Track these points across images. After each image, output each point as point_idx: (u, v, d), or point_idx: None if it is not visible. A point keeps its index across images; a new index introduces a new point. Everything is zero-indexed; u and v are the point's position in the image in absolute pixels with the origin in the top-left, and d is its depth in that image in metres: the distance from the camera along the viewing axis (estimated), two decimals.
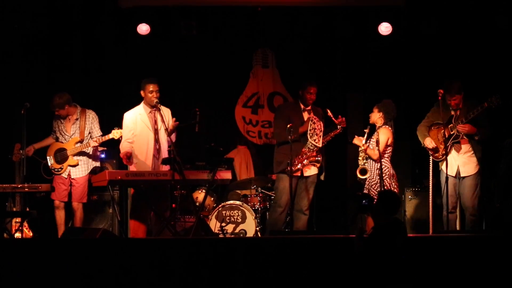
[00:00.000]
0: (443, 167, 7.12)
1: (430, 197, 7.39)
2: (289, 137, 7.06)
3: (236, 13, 9.26)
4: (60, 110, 7.54)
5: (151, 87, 7.03)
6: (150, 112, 7.11)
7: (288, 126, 7.12)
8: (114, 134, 7.37)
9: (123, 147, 7.04)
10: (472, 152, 7.11)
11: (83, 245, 5.73)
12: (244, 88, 9.86)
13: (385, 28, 9.05)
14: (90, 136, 7.58)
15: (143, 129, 7.08)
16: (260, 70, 9.89)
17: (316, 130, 7.32)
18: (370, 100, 7.99)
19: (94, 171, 7.62)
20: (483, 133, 7.06)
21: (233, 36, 9.45)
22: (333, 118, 7.33)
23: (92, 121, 7.62)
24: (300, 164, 7.31)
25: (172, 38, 9.30)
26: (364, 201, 5.57)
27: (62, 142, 7.61)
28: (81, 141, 7.54)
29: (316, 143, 7.28)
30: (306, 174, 7.39)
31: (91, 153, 7.62)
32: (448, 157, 7.06)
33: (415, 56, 9.15)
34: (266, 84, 9.87)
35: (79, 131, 7.56)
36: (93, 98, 8.60)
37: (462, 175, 7.13)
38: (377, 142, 7.11)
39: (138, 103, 7.19)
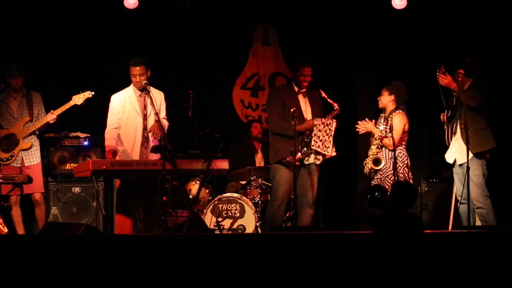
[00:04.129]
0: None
1: (455, 189, 7.35)
2: (293, 121, 7.00)
3: None
4: (17, 79, 7.36)
5: (133, 71, 6.98)
6: (140, 95, 7.05)
7: (292, 110, 7.06)
8: (75, 100, 7.21)
9: (109, 136, 6.99)
10: (460, 138, 7.08)
11: (64, 242, 5.69)
12: (243, 68, 9.83)
13: (399, 1, 8.99)
14: (37, 119, 7.46)
15: (131, 113, 7.04)
16: (260, 48, 9.86)
17: (321, 137, 7.16)
18: (382, 80, 7.96)
19: None
20: (464, 94, 6.92)
21: (230, 10, 9.39)
22: (327, 99, 7.27)
23: (39, 101, 7.51)
24: (299, 153, 7.25)
25: (162, 12, 9.24)
26: (376, 194, 5.52)
27: (7, 128, 7.45)
28: (31, 121, 7.41)
29: (323, 150, 7.14)
30: (307, 162, 7.32)
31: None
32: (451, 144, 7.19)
33: (432, 32, 9.10)
34: (267, 63, 9.84)
35: (27, 110, 7.43)
36: (75, 78, 8.57)
37: (458, 162, 7.15)
38: (391, 129, 7.07)
39: (124, 85, 7.14)
